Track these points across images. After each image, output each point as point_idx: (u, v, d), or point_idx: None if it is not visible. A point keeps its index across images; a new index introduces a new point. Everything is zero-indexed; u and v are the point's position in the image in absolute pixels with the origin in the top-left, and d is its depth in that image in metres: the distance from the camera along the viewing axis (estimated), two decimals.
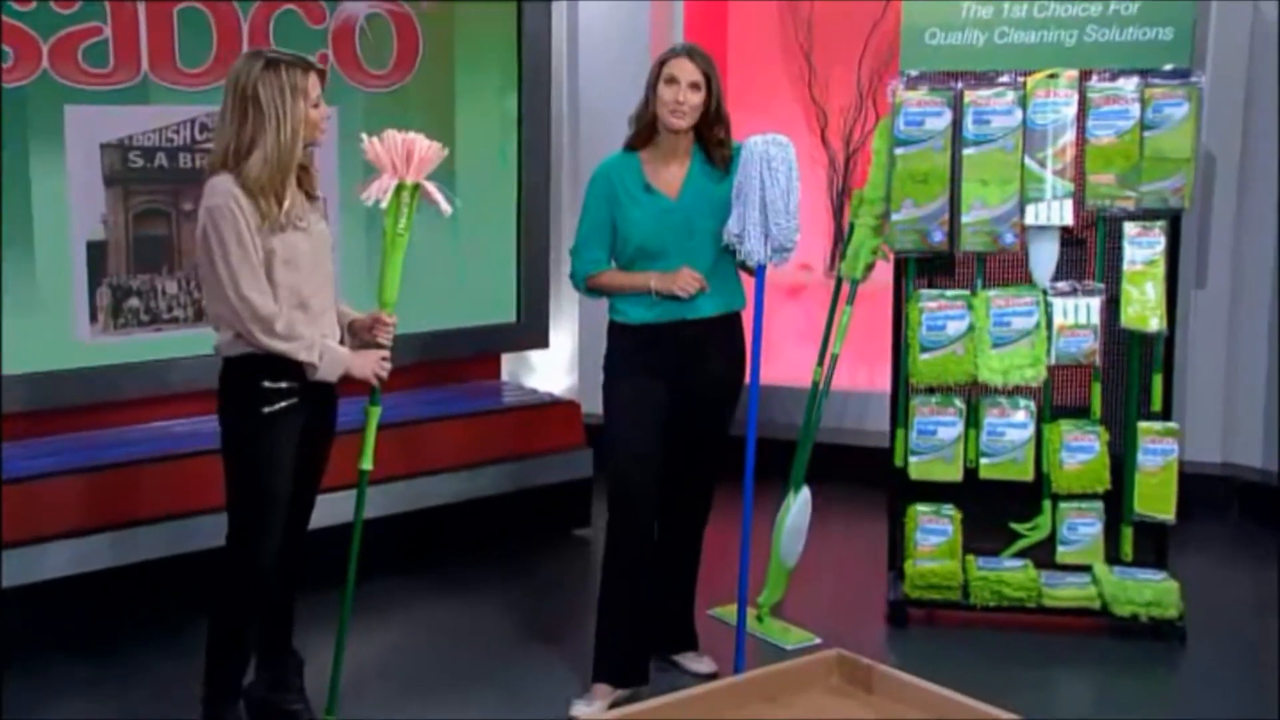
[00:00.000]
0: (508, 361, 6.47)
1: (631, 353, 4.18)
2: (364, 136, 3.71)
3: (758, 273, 4.14)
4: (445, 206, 3.73)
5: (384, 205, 3.68)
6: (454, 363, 6.03)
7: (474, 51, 5.86)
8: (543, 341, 6.27)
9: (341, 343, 3.79)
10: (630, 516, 4.14)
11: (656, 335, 4.14)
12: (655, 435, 4.15)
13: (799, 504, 4.80)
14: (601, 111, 6.57)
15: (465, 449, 5.51)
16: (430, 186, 3.72)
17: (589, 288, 4.24)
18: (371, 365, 3.76)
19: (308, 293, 3.65)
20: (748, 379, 4.27)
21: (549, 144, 6.20)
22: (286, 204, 3.58)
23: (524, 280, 6.09)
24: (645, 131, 4.15)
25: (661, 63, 4.12)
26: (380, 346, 3.80)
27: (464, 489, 5.49)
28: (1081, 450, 4.72)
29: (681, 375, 4.17)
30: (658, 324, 4.14)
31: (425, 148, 3.70)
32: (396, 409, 5.28)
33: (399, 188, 3.68)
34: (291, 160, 3.57)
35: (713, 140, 4.14)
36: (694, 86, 4.05)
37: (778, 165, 4.04)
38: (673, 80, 4.06)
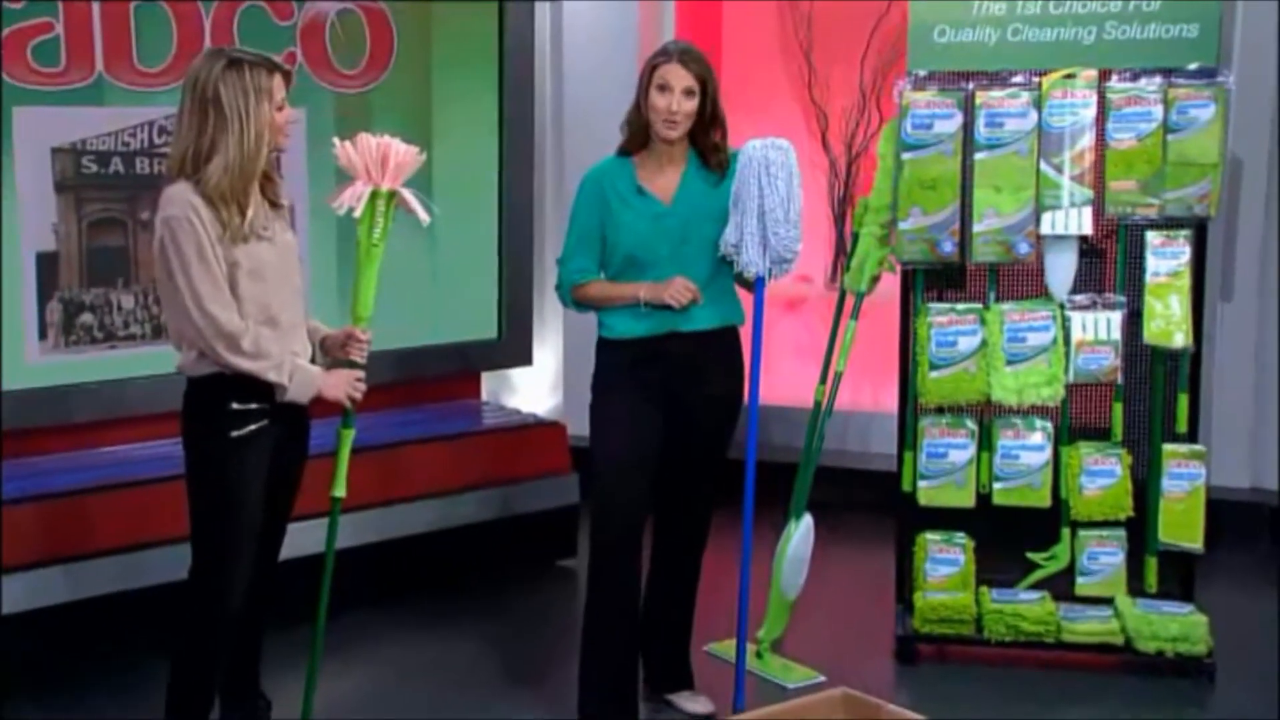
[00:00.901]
0: (488, 380, 6.46)
1: (621, 370, 4.18)
2: (336, 141, 3.70)
3: (756, 285, 4.14)
4: (423, 215, 3.72)
5: (357, 214, 3.67)
6: (431, 382, 6.01)
7: (453, 51, 5.86)
8: (526, 359, 6.26)
9: (313, 361, 3.78)
10: (617, 543, 4.13)
11: (648, 350, 4.14)
12: (646, 457, 4.15)
13: (801, 532, 4.79)
14: (587, 115, 6.57)
15: (443, 474, 5.49)
16: (407, 194, 3.70)
17: (575, 299, 4.24)
18: (344, 385, 3.74)
19: (275, 307, 3.63)
20: (746, 398, 4.26)
21: (532, 150, 6.20)
22: (250, 213, 3.56)
23: (506, 294, 6.09)
24: (638, 137, 4.16)
25: (653, 67, 4.11)
26: (354, 365, 3.79)
27: (442, 517, 5.47)
28: (1102, 474, 4.72)
29: (675, 394, 4.17)
30: (649, 338, 4.14)
31: (402, 152, 3.69)
32: (370, 431, 5.26)
33: (373, 195, 3.67)
34: (255, 167, 3.56)
35: (709, 145, 4.16)
36: (688, 93, 4.07)
37: (777, 171, 4.05)
38: (665, 87, 4.06)
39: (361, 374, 3.79)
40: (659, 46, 4.22)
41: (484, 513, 5.57)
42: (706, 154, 4.16)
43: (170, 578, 3.96)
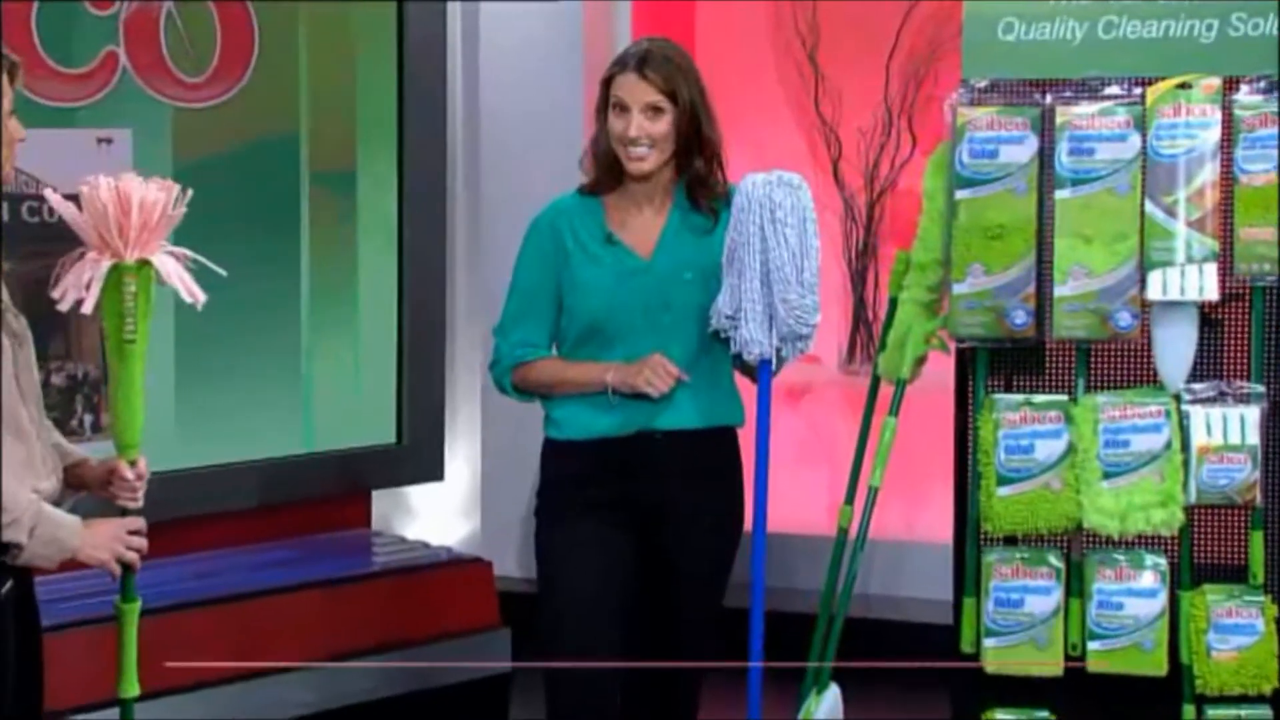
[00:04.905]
0: (379, 501, 6.42)
1: (577, 484, 4.20)
2: (49, 191, 3.52)
3: (760, 371, 4.14)
4: (194, 295, 3.54)
5: (87, 308, 3.43)
6: (303, 505, 5.99)
7: (335, 56, 5.93)
8: (435, 472, 6.28)
9: (59, 501, 3.55)
10: None
11: (614, 457, 4.17)
12: (615, 611, 4.17)
13: (825, 708, 4.79)
14: (512, 145, 6.60)
15: (323, 634, 5.47)
16: (166, 263, 3.51)
17: (516, 383, 4.25)
18: (112, 543, 3.52)
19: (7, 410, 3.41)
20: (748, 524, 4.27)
21: (443, 189, 6.26)
22: None
23: (408, 383, 6.10)
24: (608, 175, 4.20)
25: (608, 82, 4.18)
26: (126, 511, 3.60)
27: (324, 694, 5.45)
28: (1238, 631, 4.66)
29: (652, 519, 4.18)
30: (615, 439, 4.17)
31: (150, 202, 3.47)
32: (220, 577, 5.27)
33: (115, 272, 3.47)
34: None
35: (698, 177, 4.21)
36: (652, 112, 4.11)
37: (785, 216, 4.06)
38: (621, 106, 4.12)
39: (139, 523, 3.58)
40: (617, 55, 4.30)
41: (383, 687, 5.56)
42: (696, 189, 4.20)
43: None
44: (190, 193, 3.55)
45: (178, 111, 5.51)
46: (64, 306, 3.44)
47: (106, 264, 3.45)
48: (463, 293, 6.68)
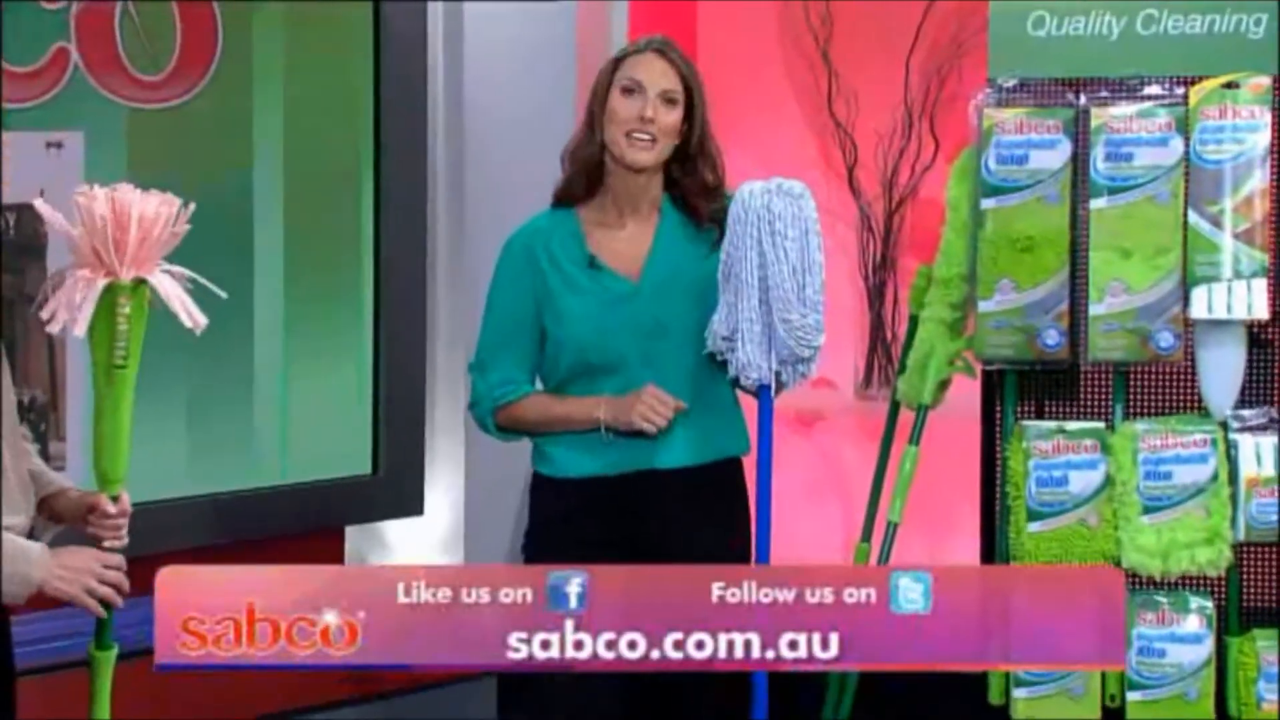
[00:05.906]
0: (353, 537, 6.40)
1: (569, 525, 4.22)
2: (38, 202, 3.53)
3: (761, 397, 4.15)
4: (196, 319, 3.54)
5: (79, 331, 3.44)
6: (269, 542, 5.87)
7: (306, 56, 5.91)
8: (414, 506, 6.28)
9: (32, 534, 3.55)
10: None
11: (609, 495, 4.19)
12: None
13: None
14: (498, 160, 6.58)
15: (296, 682, 5.40)
16: (166, 285, 3.51)
17: (501, 424, 4.27)
18: (82, 575, 3.49)
19: None
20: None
21: (424, 201, 6.26)
22: None
23: (384, 410, 6.09)
24: (585, 176, 4.21)
25: (617, 62, 4.19)
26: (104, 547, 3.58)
27: None
28: None
29: (650, 559, 4.06)
30: (609, 479, 4.19)
31: (150, 216, 3.48)
32: None
33: (109, 292, 3.47)
34: None
35: (694, 187, 4.22)
36: (667, 100, 4.13)
37: (785, 228, 4.07)
38: (634, 89, 4.12)
39: (117, 559, 3.56)
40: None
41: None
42: (692, 200, 4.22)
43: None
44: (193, 207, 3.54)
45: (133, 113, 5.47)
46: (54, 328, 3.44)
47: (101, 283, 3.43)
48: (444, 311, 6.64)
